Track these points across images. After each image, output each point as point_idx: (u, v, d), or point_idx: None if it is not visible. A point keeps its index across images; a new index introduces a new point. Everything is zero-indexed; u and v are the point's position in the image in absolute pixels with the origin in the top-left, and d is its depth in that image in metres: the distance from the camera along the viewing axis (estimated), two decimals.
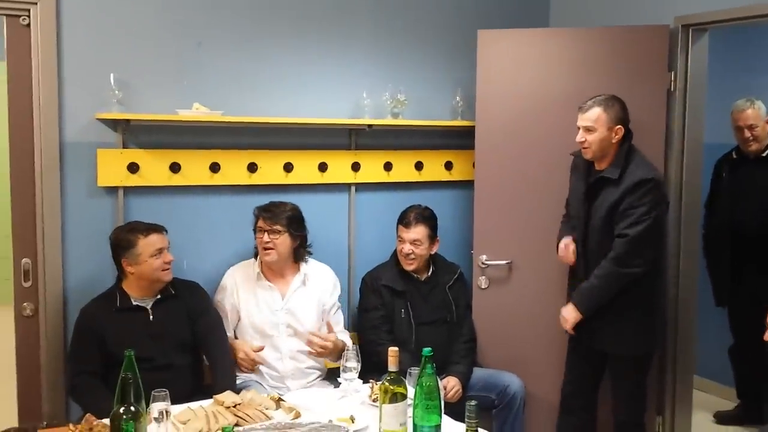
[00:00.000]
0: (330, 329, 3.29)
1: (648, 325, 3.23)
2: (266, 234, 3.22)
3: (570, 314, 3.21)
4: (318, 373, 3.33)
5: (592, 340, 3.25)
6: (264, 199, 3.37)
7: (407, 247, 3.48)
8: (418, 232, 3.48)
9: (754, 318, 3.72)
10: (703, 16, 3.44)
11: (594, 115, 3.11)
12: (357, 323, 3.66)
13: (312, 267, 3.38)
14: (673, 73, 3.54)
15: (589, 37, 3.62)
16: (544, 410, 3.63)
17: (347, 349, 2.74)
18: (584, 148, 3.16)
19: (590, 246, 3.19)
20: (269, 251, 3.23)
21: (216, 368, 3.01)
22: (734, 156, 4.11)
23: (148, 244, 2.93)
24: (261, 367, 3.20)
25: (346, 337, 3.36)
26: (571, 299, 3.23)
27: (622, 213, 3.06)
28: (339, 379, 2.77)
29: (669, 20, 3.54)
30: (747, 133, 3.92)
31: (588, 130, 3.12)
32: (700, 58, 3.59)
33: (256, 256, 3.34)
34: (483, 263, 3.74)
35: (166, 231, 3.03)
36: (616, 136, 3.12)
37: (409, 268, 3.51)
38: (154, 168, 3.27)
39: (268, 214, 3.26)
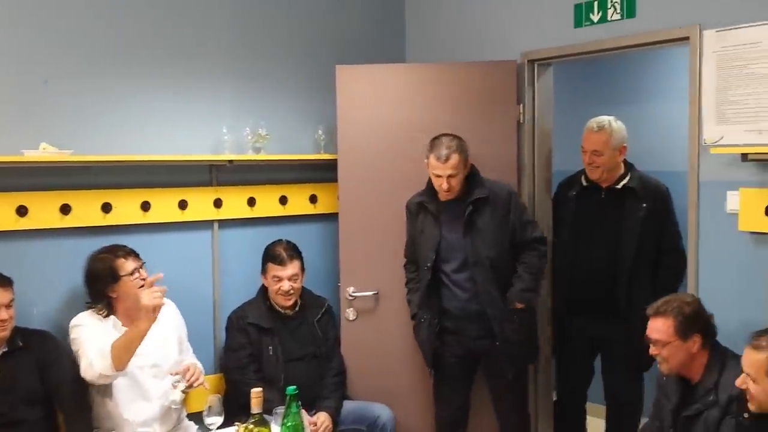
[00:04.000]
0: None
1: (529, 340, 3.45)
2: (141, 270, 3.10)
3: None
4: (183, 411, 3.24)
5: (483, 366, 3.45)
6: (120, 240, 3.23)
7: (287, 284, 3.44)
8: (295, 266, 3.47)
9: (581, 377, 3.80)
10: (547, 51, 3.64)
11: (455, 162, 3.28)
12: (223, 364, 3.57)
13: None
14: (522, 105, 3.73)
15: (444, 72, 3.76)
16: None
17: (209, 404, 2.65)
18: (448, 192, 3.32)
19: (477, 269, 3.32)
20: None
21: (70, 422, 2.86)
22: (584, 183, 3.68)
23: None
24: (125, 416, 3.02)
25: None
26: (516, 299, 3.32)
27: (522, 224, 3.40)
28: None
29: (516, 56, 3.73)
30: (588, 159, 3.55)
31: (451, 177, 3.29)
32: (546, 91, 3.80)
33: (107, 315, 3.07)
34: (350, 295, 3.76)
35: (12, 283, 2.84)
36: (466, 172, 3.36)
37: (289, 303, 3.48)
38: None
39: (128, 249, 3.13)
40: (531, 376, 3.80)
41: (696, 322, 2.64)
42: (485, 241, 3.32)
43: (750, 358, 2.33)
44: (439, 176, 3.30)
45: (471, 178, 3.38)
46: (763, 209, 2.84)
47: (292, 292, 3.46)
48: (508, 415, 3.51)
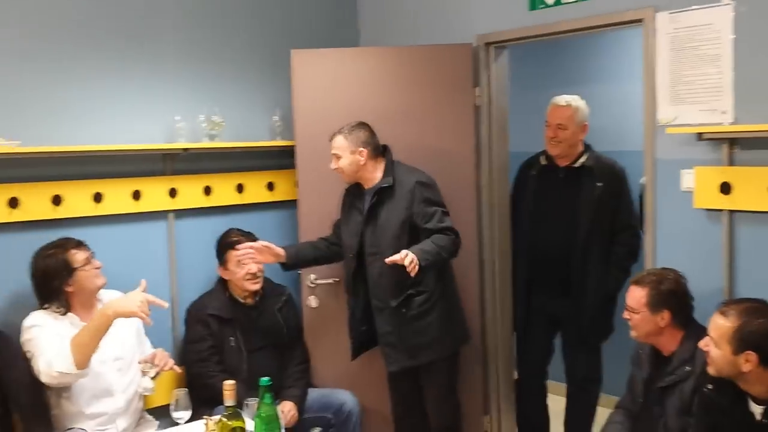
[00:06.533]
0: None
1: (449, 326, 3.34)
2: (93, 260, 3.02)
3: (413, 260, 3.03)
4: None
5: (406, 359, 3.31)
6: (72, 234, 3.11)
7: (254, 266, 3.41)
8: None
9: (541, 355, 3.84)
10: (503, 34, 3.65)
11: (337, 143, 3.29)
12: (183, 357, 3.49)
13: (109, 293, 3.12)
14: (478, 88, 3.73)
15: (399, 55, 3.74)
16: (379, 424, 3.67)
17: (176, 398, 2.58)
18: (341, 173, 3.31)
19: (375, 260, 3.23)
20: (100, 274, 3.04)
21: (27, 424, 2.75)
22: (543, 162, 3.72)
23: None
24: (87, 411, 2.91)
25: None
26: (416, 253, 3.02)
27: (425, 213, 3.16)
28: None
29: (471, 39, 3.73)
30: (552, 132, 3.57)
31: (336, 156, 3.29)
32: (502, 73, 3.81)
33: (65, 312, 2.95)
34: (312, 283, 3.72)
35: None
36: (362, 158, 3.26)
37: (256, 287, 3.45)
38: None
39: (75, 240, 3.03)
40: (492, 355, 3.85)
41: (668, 299, 2.71)
42: (384, 234, 3.21)
43: (716, 323, 2.42)
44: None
45: (387, 165, 3.29)
46: (717, 187, 2.90)
47: (259, 274, 3.43)
48: (433, 404, 3.44)
